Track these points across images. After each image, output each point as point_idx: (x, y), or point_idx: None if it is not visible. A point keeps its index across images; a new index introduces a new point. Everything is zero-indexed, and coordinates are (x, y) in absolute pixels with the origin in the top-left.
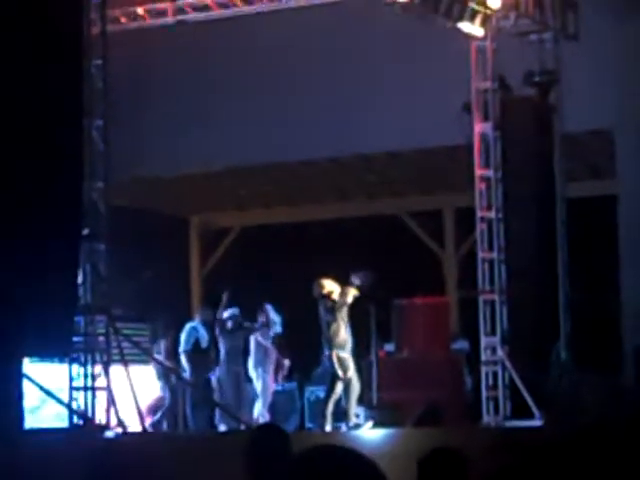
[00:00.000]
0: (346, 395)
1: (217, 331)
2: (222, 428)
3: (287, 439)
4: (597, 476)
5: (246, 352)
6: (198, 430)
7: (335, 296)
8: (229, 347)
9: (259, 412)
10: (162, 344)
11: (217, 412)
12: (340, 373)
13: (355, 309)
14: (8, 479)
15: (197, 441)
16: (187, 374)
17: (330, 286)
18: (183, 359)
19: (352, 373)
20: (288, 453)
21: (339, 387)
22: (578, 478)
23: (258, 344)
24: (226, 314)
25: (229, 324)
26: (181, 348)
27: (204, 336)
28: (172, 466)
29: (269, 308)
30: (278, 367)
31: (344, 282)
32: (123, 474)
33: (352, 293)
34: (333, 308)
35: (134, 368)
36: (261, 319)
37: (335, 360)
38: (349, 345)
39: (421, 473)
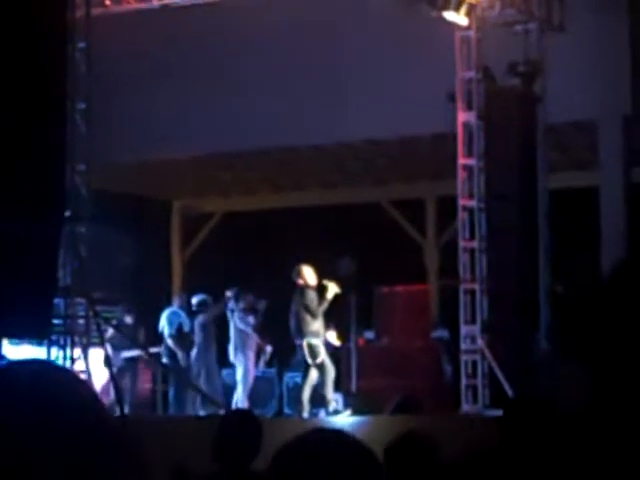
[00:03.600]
0: (321, 380)
1: (198, 320)
2: (201, 413)
3: (258, 425)
4: (579, 464)
5: (227, 338)
6: (180, 414)
7: (311, 286)
8: (202, 334)
9: (238, 398)
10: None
11: (193, 396)
12: (310, 360)
13: (335, 296)
14: None
15: (178, 425)
16: (178, 357)
17: (309, 277)
18: (170, 342)
19: (323, 357)
20: (259, 439)
21: (313, 373)
22: (559, 465)
23: (237, 330)
24: (194, 300)
25: (206, 314)
26: (166, 332)
27: (186, 321)
28: (152, 450)
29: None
30: (259, 353)
31: (325, 271)
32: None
33: (333, 290)
34: (305, 301)
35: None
36: (241, 305)
37: (305, 348)
38: (322, 334)
39: (388, 460)
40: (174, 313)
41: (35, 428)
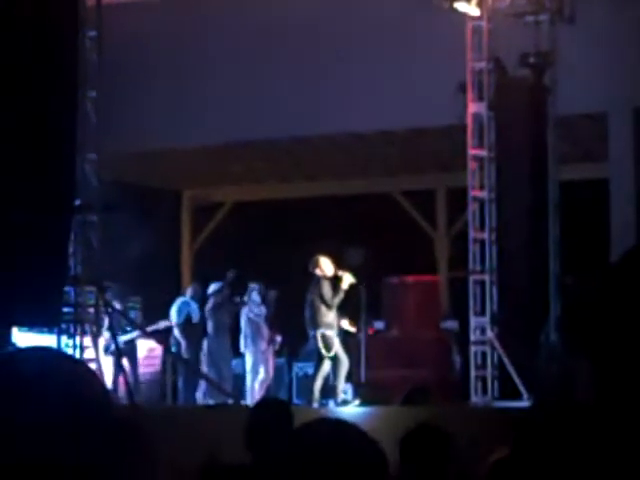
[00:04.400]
0: (334, 372)
1: (208, 307)
2: (210, 402)
3: (290, 413)
4: (590, 457)
5: (237, 328)
6: (188, 403)
7: (327, 277)
8: (215, 322)
9: (249, 387)
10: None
11: (205, 386)
12: (324, 351)
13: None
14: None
15: (187, 414)
16: (182, 347)
17: (326, 267)
18: (177, 332)
19: (337, 349)
20: (291, 426)
21: (326, 364)
22: (572, 461)
23: (249, 320)
24: (211, 288)
25: (214, 299)
26: (174, 322)
27: (195, 311)
28: (161, 439)
29: (253, 288)
30: (269, 342)
31: (335, 261)
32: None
33: (348, 281)
34: (321, 291)
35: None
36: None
37: (319, 339)
38: (335, 325)
39: (403, 450)
40: (184, 303)
41: (39, 417)
